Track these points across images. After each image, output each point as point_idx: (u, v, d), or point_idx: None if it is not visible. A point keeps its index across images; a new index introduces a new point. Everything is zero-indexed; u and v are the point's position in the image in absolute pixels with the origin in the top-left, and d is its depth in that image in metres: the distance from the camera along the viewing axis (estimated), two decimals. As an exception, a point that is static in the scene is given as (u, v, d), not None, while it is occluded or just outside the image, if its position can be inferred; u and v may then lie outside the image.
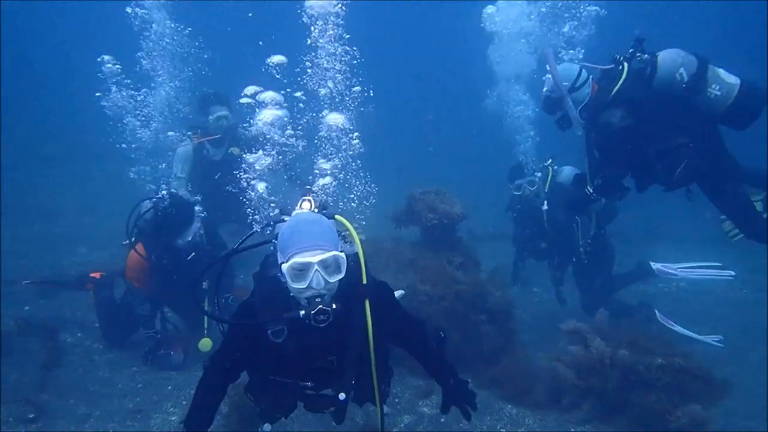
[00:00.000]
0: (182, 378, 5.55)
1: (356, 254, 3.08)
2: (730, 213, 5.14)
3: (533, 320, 7.21)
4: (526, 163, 7.10)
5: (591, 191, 5.37)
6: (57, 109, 20.22)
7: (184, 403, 5.11)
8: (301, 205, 3.32)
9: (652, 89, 4.83)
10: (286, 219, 3.18)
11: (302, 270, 2.82)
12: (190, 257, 5.66)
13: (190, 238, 5.72)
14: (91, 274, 6.60)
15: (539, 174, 6.87)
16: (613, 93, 4.92)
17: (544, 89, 5.43)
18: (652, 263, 7.14)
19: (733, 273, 6.80)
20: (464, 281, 5.58)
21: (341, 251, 2.93)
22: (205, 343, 5.43)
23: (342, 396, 3.09)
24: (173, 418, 4.92)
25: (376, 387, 3.18)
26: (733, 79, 4.71)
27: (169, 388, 5.41)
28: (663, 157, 4.82)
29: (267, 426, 3.36)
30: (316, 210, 3.27)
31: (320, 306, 2.84)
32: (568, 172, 6.81)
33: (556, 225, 6.67)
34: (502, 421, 4.93)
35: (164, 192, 5.81)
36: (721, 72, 4.73)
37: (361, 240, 3.11)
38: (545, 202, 6.64)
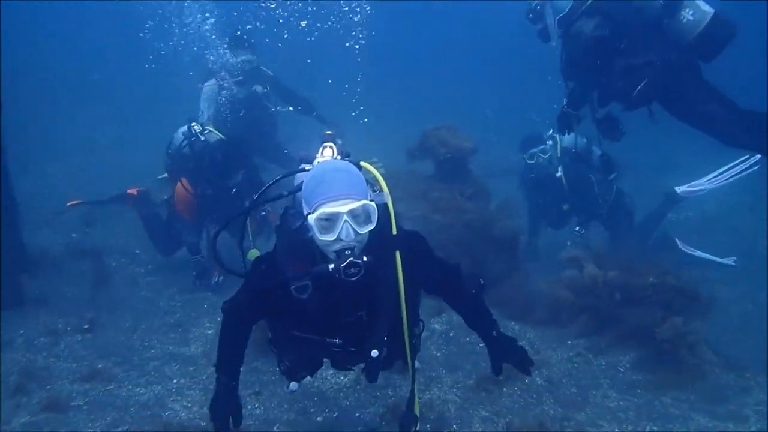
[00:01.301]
0: (216, 298, 6.12)
1: (385, 204, 2.87)
2: (702, 129, 5.18)
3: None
4: (536, 133, 7.23)
5: (565, 104, 5.53)
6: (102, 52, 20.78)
7: (218, 319, 5.66)
8: (322, 152, 3.10)
9: (630, 6, 4.99)
10: (307, 168, 3.00)
11: (330, 221, 2.63)
12: (233, 192, 6.17)
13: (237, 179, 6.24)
14: (128, 191, 7.14)
15: (550, 142, 7.04)
16: (589, 2, 5.08)
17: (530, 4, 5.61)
18: (676, 188, 7.39)
19: (758, 156, 6.74)
20: (473, 211, 6.00)
21: (371, 200, 2.73)
22: (253, 253, 5.95)
23: (375, 353, 2.88)
24: (209, 332, 5.51)
25: (408, 342, 3.02)
26: (707, 8, 4.87)
27: (206, 306, 5.99)
28: (627, 74, 5.01)
29: (293, 385, 3.27)
30: (339, 157, 3.06)
31: (350, 258, 2.64)
32: (569, 136, 6.83)
33: (575, 185, 6.89)
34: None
35: (196, 127, 6.28)
36: (697, 2, 4.89)
37: (381, 174, 2.97)
38: (559, 168, 6.89)
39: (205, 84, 8.14)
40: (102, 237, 7.54)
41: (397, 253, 2.84)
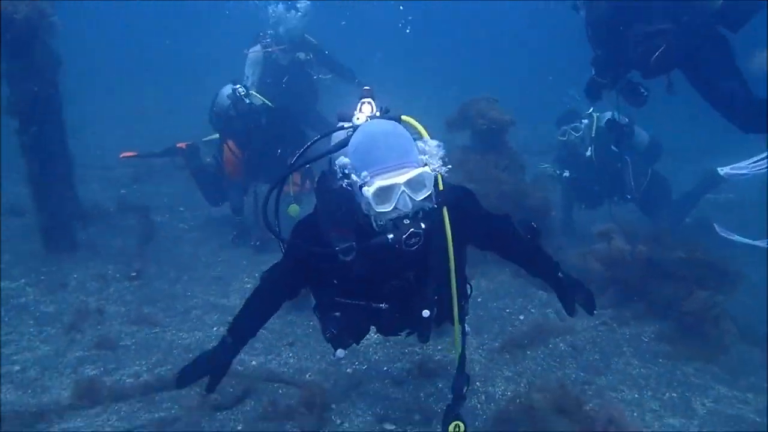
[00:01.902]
0: (256, 256, 6.38)
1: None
2: (719, 109, 5.05)
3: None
4: (575, 109, 7.21)
5: (593, 73, 5.53)
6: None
7: (256, 275, 5.92)
8: (361, 108, 2.91)
9: None
10: (346, 126, 2.87)
11: (387, 192, 2.50)
12: (278, 154, 6.42)
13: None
14: (177, 145, 7.47)
15: (585, 121, 7.04)
16: None
17: None
18: (719, 168, 7.35)
19: None
20: (507, 182, 6.12)
21: (425, 165, 2.60)
22: (293, 209, 6.18)
23: (426, 313, 2.81)
24: (248, 286, 5.77)
25: (456, 303, 2.91)
26: None
27: (245, 263, 6.26)
28: (643, 41, 4.91)
29: (340, 352, 3.08)
30: (378, 114, 2.88)
31: (411, 229, 2.52)
32: (608, 115, 6.83)
33: (606, 166, 6.90)
34: (533, 302, 5.56)
35: (240, 90, 6.51)
36: None
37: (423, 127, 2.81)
38: (590, 148, 6.90)
39: (251, 50, 8.35)
40: (149, 194, 7.87)
41: (445, 210, 2.73)
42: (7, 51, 5.23)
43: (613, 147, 6.69)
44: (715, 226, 6.91)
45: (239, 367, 4.36)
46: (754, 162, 7.22)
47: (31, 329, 4.86)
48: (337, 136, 2.89)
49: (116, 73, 15.59)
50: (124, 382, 4.24)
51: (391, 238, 2.53)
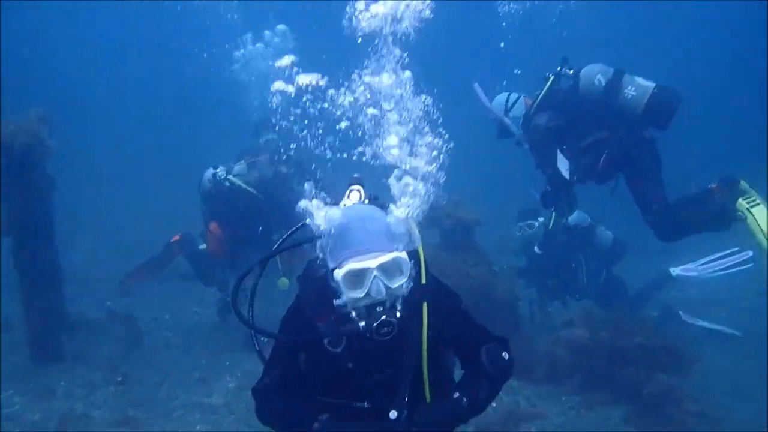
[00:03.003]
0: (238, 356, 6.59)
1: (415, 251, 2.59)
2: (641, 209, 5.62)
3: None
4: (535, 209, 7.56)
5: (547, 187, 6.02)
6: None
7: (239, 374, 6.14)
8: (349, 195, 2.79)
9: (578, 96, 5.57)
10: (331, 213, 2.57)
11: (359, 276, 2.38)
12: (260, 231, 6.87)
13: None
14: (172, 240, 7.88)
15: (542, 219, 7.51)
16: (538, 100, 5.68)
17: (491, 119, 6.21)
18: (671, 269, 7.69)
19: (750, 253, 6.89)
20: (476, 276, 6.48)
21: (402, 251, 2.45)
22: (283, 282, 6.46)
23: (393, 414, 2.49)
24: (231, 385, 5.96)
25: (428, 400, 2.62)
26: (648, 83, 5.40)
27: (227, 363, 6.46)
28: (587, 151, 5.54)
29: None
30: (367, 201, 2.75)
31: (383, 317, 2.38)
32: (575, 216, 7.04)
33: (556, 264, 7.30)
34: (504, 390, 5.75)
35: (220, 172, 6.97)
36: (638, 78, 5.45)
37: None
38: (536, 246, 7.39)
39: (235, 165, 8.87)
40: (135, 304, 8.10)
41: (425, 305, 2.54)
42: (5, 175, 5.65)
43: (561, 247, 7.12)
44: (681, 314, 7.21)
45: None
46: (702, 264, 7.47)
47: (18, 438, 5.00)
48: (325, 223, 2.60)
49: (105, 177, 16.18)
50: (109, 483, 4.38)
51: (363, 326, 2.38)
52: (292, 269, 6.81)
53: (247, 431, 5.12)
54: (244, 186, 7.08)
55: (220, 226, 7.08)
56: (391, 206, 2.59)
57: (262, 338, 2.83)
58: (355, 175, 2.88)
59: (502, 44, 8.57)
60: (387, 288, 2.37)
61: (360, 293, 2.37)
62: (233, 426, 5.24)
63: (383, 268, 2.37)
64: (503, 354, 2.56)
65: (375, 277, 2.35)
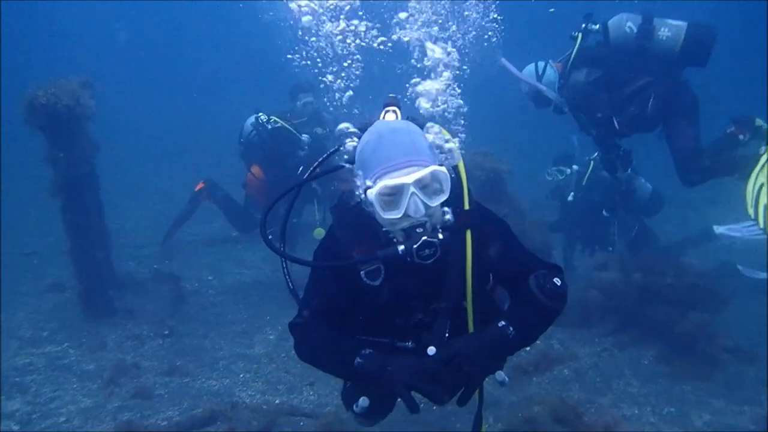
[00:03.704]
0: (278, 311, 6.81)
1: (455, 171, 2.39)
2: (673, 149, 5.60)
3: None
4: (573, 154, 7.55)
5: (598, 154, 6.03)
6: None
7: (279, 328, 6.35)
8: (384, 116, 2.58)
9: (611, 47, 5.49)
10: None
11: (394, 195, 2.17)
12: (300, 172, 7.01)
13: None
14: (197, 188, 8.10)
15: (576, 167, 7.40)
16: (572, 58, 5.63)
17: (524, 92, 6.17)
18: (714, 226, 7.51)
19: None
20: (510, 225, 6.52)
21: (441, 165, 2.25)
22: (319, 232, 6.57)
23: (432, 350, 2.22)
24: (271, 337, 6.19)
25: None
26: (680, 22, 5.32)
27: (268, 318, 6.69)
28: (634, 97, 5.48)
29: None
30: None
31: (424, 238, 2.16)
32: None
33: (586, 214, 7.20)
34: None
35: (262, 116, 7.13)
36: (668, 20, 5.36)
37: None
38: (572, 194, 7.27)
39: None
40: (179, 266, 8.40)
41: (468, 233, 2.32)
42: (50, 137, 5.92)
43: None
44: (739, 267, 6.95)
45: (263, 406, 4.74)
46: (749, 226, 7.30)
47: (75, 386, 5.31)
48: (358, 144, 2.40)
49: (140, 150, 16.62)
50: (158, 425, 4.64)
51: (402, 249, 2.17)
52: (328, 219, 6.98)
53: (287, 377, 5.34)
54: (286, 126, 7.20)
55: (262, 170, 7.25)
56: (429, 124, 2.39)
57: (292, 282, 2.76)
58: (391, 95, 2.64)
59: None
60: (426, 207, 2.17)
61: (397, 213, 2.17)
62: (274, 374, 5.46)
63: (421, 183, 2.16)
64: (554, 280, 2.31)
65: (412, 194, 2.14)
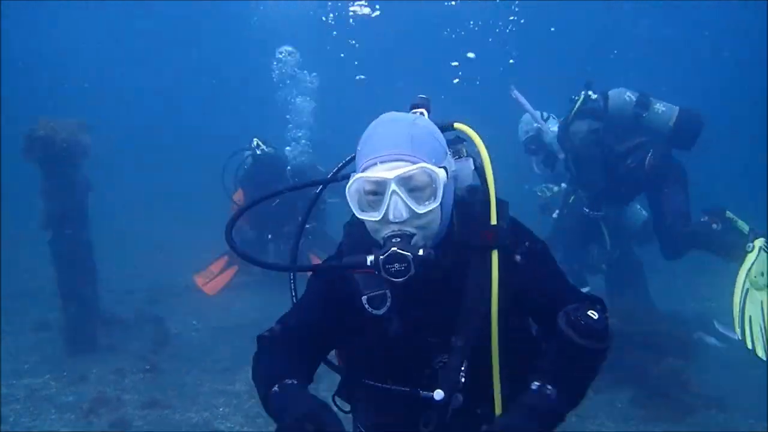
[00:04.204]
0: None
1: (482, 180, 2.01)
2: (662, 211, 5.82)
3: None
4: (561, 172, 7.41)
5: (587, 210, 6.29)
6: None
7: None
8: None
9: (609, 106, 5.82)
10: None
11: (377, 193, 1.83)
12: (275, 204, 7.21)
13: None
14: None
15: (564, 185, 7.29)
16: (575, 109, 5.92)
17: (522, 131, 6.50)
18: (715, 322, 6.63)
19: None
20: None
21: (442, 166, 1.86)
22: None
23: (439, 395, 1.88)
24: (253, 376, 6.23)
25: (497, 387, 1.94)
26: (673, 105, 5.70)
27: (250, 356, 6.71)
28: (632, 151, 5.78)
29: None
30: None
31: (393, 248, 1.77)
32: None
33: (568, 233, 7.11)
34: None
35: (256, 141, 7.38)
36: (663, 101, 5.76)
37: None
38: (557, 211, 7.28)
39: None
40: (164, 310, 8.46)
41: (494, 254, 1.89)
42: (45, 171, 6.12)
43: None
44: (715, 323, 6.92)
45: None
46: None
47: (53, 416, 5.33)
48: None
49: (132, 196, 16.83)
50: (136, 451, 4.67)
51: (371, 260, 1.81)
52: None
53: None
54: (273, 154, 7.43)
55: (244, 194, 7.47)
56: (456, 125, 2.11)
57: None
58: (421, 96, 2.19)
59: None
60: (410, 211, 1.78)
61: (376, 215, 1.81)
62: (254, 408, 5.48)
63: (408, 183, 1.79)
64: (589, 313, 1.72)
65: (393, 193, 1.77)
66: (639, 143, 5.83)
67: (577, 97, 6.00)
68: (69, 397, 5.65)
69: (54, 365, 6.28)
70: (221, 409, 5.46)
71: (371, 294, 1.97)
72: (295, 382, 1.81)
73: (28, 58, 23.23)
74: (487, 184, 1.99)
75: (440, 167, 1.85)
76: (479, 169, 2.04)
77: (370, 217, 1.85)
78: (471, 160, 2.07)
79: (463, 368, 1.92)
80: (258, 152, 7.45)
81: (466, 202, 2.02)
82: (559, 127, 6.21)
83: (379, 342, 1.99)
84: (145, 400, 5.57)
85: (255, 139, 7.55)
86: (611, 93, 5.88)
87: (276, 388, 1.79)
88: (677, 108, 5.70)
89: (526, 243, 2.00)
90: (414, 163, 1.81)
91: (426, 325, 1.97)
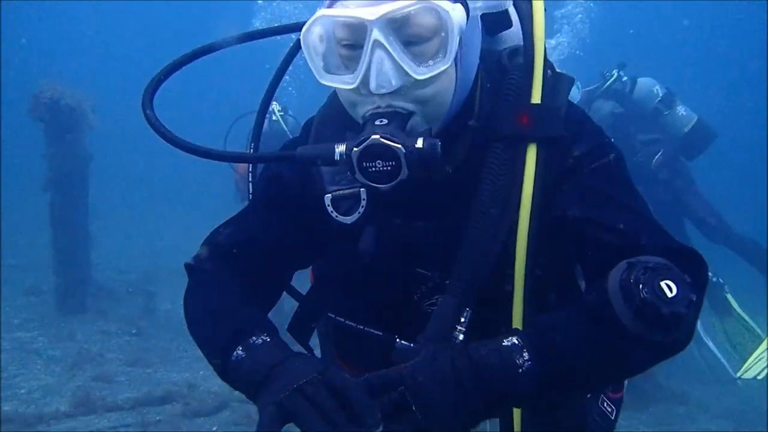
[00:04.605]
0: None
1: (524, 32, 1.34)
2: (693, 208, 5.97)
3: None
4: None
5: None
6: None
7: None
8: None
9: (633, 98, 5.86)
10: None
11: (352, 46, 1.20)
12: None
13: None
14: None
15: None
16: (604, 87, 5.95)
17: None
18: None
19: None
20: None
21: (459, 0, 1.20)
22: None
23: (401, 344, 1.32)
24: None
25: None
26: (693, 112, 5.83)
27: (235, 332, 6.93)
28: (645, 145, 5.86)
29: None
30: None
31: (374, 137, 1.13)
32: None
33: None
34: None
35: (274, 106, 6.73)
36: (685, 106, 5.86)
37: None
38: None
39: None
40: (157, 288, 8.66)
41: (531, 149, 1.27)
42: (48, 132, 6.37)
43: None
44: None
45: (216, 388, 4.96)
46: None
47: (39, 367, 5.52)
48: None
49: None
50: (116, 399, 4.85)
51: (340, 152, 1.19)
52: None
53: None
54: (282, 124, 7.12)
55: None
56: None
57: None
58: None
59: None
60: (405, 77, 1.16)
61: (350, 80, 1.20)
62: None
63: (396, 25, 1.15)
64: (664, 282, 1.04)
65: (376, 45, 1.14)
66: (653, 139, 5.92)
67: (609, 74, 5.99)
68: (56, 352, 5.84)
69: (43, 323, 6.50)
70: (201, 373, 5.63)
71: (338, 192, 1.35)
72: (266, 337, 1.24)
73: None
74: (531, 38, 1.32)
75: (456, 2, 1.18)
76: (522, 13, 1.36)
77: (341, 83, 1.21)
78: None
79: (462, 320, 1.26)
80: (273, 118, 6.92)
81: (501, 66, 1.37)
82: (581, 97, 6.14)
83: (347, 264, 1.43)
84: (129, 359, 5.77)
85: (274, 103, 6.61)
86: (640, 80, 5.92)
87: (239, 350, 1.22)
88: (696, 117, 5.81)
89: (591, 144, 1.31)
90: None
91: (414, 248, 1.37)
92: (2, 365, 5.43)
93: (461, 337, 1.26)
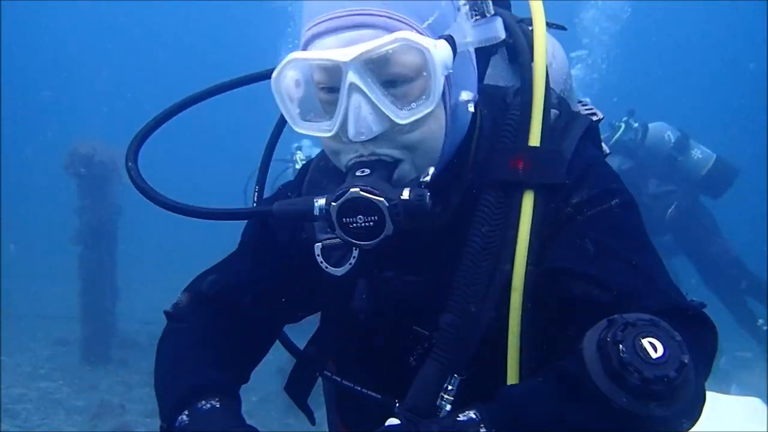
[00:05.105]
0: (264, 378, 7.11)
1: (521, 64, 1.24)
2: (704, 257, 5.86)
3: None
4: None
5: None
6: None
7: (262, 392, 6.64)
8: None
9: (644, 148, 5.75)
10: None
11: (330, 89, 1.08)
12: None
13: None
14: None
15: None
16: (612, 141, 5.69)
17: None
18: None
19: None
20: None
21: (444, 36, 1.06)
22: None
23: (392, 423, 1.10)
24: (254, 399, 6.46)
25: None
26: (710, 152, 5.72)
27: (252, 382, 6.97)
28: (656, 198, 5.74)
29: None
30: None
31: (353, 190, 1.02)
32: None
33: None
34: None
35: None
36: (701, 145, 5.75)
37: None
38: None
39: None
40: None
41: (526, 197, 1.14)
42: (82, 187, 6.65)
43: None
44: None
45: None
46: None
47: (62, 417, 5.68)
48: None
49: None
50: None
51: (321, 206, 1.07)
52: None
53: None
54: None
55: None
56: None
57: None
58: None
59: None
60: (386, 122, 1.06)
61: (327, 127, 1.09)
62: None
63: (373, 66, 1.04)
64: (647, 339, 0.89)
65: (353, 88, 1.03)
66: (666, 191, 5.83)
67: (618, 124, 5.84)
68: (78, 402, 5.98)
69: (67, 373, 6.66)
70: (221, 424, 5.72)
71: (328, 241, 1.23)
72: (217, 402, 1.14)
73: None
74: (530, 71, 1.21)
75: (440, 37, 1.06)
76: (519, 45, 1.25)
77: (319, 130, 1.11)
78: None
79: (450, 388, 1.14)
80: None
81: (505, 105, 1.23)
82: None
83: (341, 320, 1.32)
84: (149, 410, 5.84)
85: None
86: (651, 126, 5.80)
87: (184, 415, 1.13)
88: (714, 156, 5.70)
89: (594, 190, 1.16)
90: (389, 29, 1.03)
91: (407, 303, 1.23)
92: (27, 415, 5.58)
93: (448, 407, 1.12)
